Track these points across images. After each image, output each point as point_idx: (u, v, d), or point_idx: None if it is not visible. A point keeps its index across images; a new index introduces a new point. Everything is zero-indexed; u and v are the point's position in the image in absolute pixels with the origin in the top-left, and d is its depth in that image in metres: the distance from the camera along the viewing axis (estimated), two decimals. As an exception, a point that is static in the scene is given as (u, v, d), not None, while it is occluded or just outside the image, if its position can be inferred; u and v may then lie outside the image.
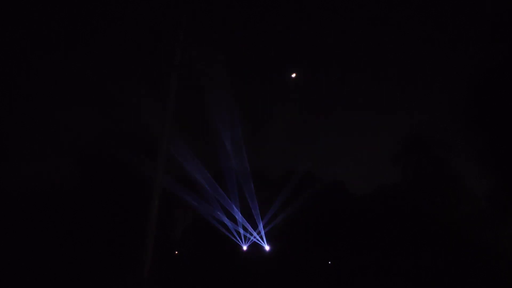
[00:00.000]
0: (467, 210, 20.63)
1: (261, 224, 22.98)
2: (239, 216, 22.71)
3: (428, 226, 20.09)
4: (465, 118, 18.89)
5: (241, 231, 22.80)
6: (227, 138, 23.05)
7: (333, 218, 23.69)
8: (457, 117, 19.82)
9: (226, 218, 22.54)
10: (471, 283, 17.03)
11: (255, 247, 23.10)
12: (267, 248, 23.01)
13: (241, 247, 22.86)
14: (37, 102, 20.99)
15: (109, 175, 20.10)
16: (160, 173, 12.49)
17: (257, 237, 22.95)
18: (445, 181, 21.82)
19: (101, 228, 18.29)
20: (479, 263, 17.82)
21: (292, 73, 22.91)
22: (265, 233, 23.05)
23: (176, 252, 23.58)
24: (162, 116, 12.93)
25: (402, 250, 19.94)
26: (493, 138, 17.63)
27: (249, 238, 23.02)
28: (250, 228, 23.00)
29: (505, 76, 16.90)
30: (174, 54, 13.15)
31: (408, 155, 23.54)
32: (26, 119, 20.34)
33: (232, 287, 18.66)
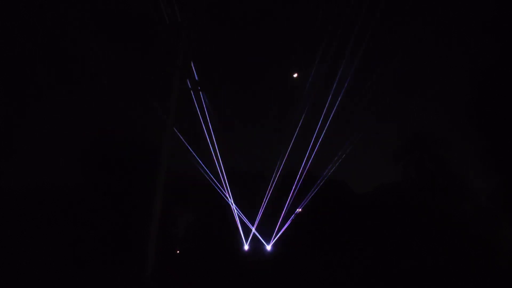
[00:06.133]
0: (469, 208, 20.68)
1: (262, 224, 23.01)
2: (240, 216, 22.75)
3: (430, 224, 20.12)
4: (467, 116, 18.96)
5: (243, 230, 22.84)
6: (228, 138, 23.11)
7: (335, 217, 23.70)
8: (459, 116, 19.91)
9: (227, 218, 22.58)
10: (473, 281, 17.04)
11: (257, 246, 23.13)
12: (268, 248, 23.03)
13: (243, 247, 22.89)
14: (39, 101, 21.11)
15: (112, 174, 20.19)
16: (163, 171, 12.60)
17: (259, 236, 23.00)
18: (447, 179, 21.86)
19: (104, 227, 18.37)
20: (481, 261, 17.85)
21: (294, 73, 22.98)
22: (266, 233, 23.08)
23: (178, 251, 23.62)
24: (164, 116, 13.05)
25: (405, 248, 19.96)
26: (495, 136, 17.67)
27: (251, 238, 23.05)
28: (251, 228, 23.03)
29: (507, 75, 16.94)
30: (177, 55, 13.26)
31: (410, 154, 23.59)
32: (29, 118, 20.47)
33: (234, 286, 18.68)
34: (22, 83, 20.36)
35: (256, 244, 22.96)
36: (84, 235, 17.93)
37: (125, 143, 20.67)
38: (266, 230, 22.98)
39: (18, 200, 18.70)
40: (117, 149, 20.32)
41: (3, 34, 19.09)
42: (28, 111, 20.60)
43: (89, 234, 17.99)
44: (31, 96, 20.47)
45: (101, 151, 20.90)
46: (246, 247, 22.75)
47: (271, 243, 22.99)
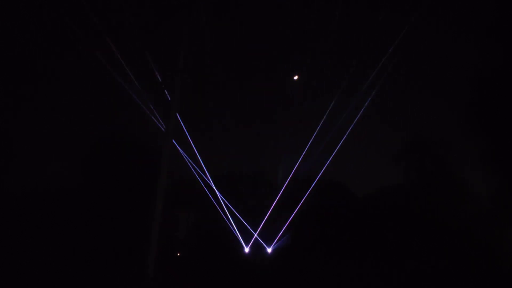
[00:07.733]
0: (470, 209, 20.63)
1: (263, 226, 22.98)
2: (240, 218, 22.70)
3: (430, 225, 20.11)
4: (468, 117, 18.95)
5: (243, 233, 22.79)
6: (228, 140, 23.12)
7: (335, 219, 23.68)
8: (460, 117, 19.88)
9: (227, 220, 22.55)
10: (474, 282, 17.04)
11: (257, 249, 23.09)
12: (269, 250, 23.01)
13: (243, 249, 22.85)
14: (41, 103, 21.11)
15: (113, 176, 20.20)
16: (164, 174, 12.61)
17: (259, 239, 22.95)
18: (448, 181, 21.83)
19: (105, 229, 18.37)
20: (482, 263, 17.84)
21: (294, 75, 22.92)
22: (266, 235, 23.04)
23: (178, 254, 23.59)
24: (166, 118, 13.08)
25: (406, 250, 19.95)
26: (496, 137, 17.67)
27: (251, 240, 23.01)
28: (251, 230, 22.99)
29: (508, 76, 16.94)
30: (178, 58, 13.26)
31: (410, 155, 23.54)
32: (29, 120, 20.48)
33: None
34: (22, 83, 20.34)
35: (257, 247, 22.93)
36: (85, 236, 17.92)
37: (127, 145, 20.68)
38: (267, 233, 22.93)
39: (18, 201, 18.71)
40: (118, 151, 20.31)
41: (3, 34, 19.07)
42: (28, 112, 20.61)
43: (90, 235, 17.97)
44: (31, 97, 20.47)
45: (103, 153, 20.90)
46: (246, 249, 22.71)
47: (272, 246, 22.96)
